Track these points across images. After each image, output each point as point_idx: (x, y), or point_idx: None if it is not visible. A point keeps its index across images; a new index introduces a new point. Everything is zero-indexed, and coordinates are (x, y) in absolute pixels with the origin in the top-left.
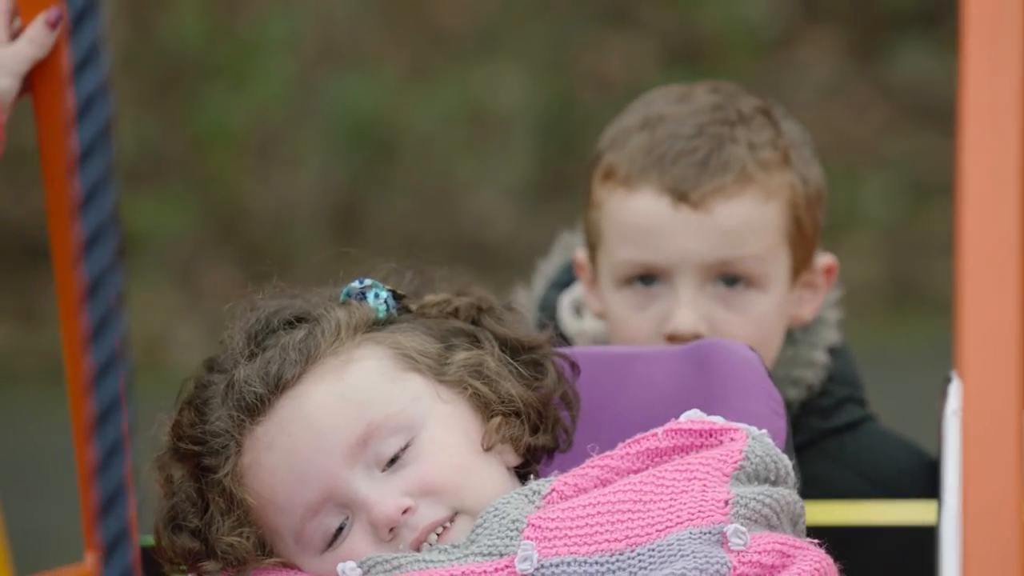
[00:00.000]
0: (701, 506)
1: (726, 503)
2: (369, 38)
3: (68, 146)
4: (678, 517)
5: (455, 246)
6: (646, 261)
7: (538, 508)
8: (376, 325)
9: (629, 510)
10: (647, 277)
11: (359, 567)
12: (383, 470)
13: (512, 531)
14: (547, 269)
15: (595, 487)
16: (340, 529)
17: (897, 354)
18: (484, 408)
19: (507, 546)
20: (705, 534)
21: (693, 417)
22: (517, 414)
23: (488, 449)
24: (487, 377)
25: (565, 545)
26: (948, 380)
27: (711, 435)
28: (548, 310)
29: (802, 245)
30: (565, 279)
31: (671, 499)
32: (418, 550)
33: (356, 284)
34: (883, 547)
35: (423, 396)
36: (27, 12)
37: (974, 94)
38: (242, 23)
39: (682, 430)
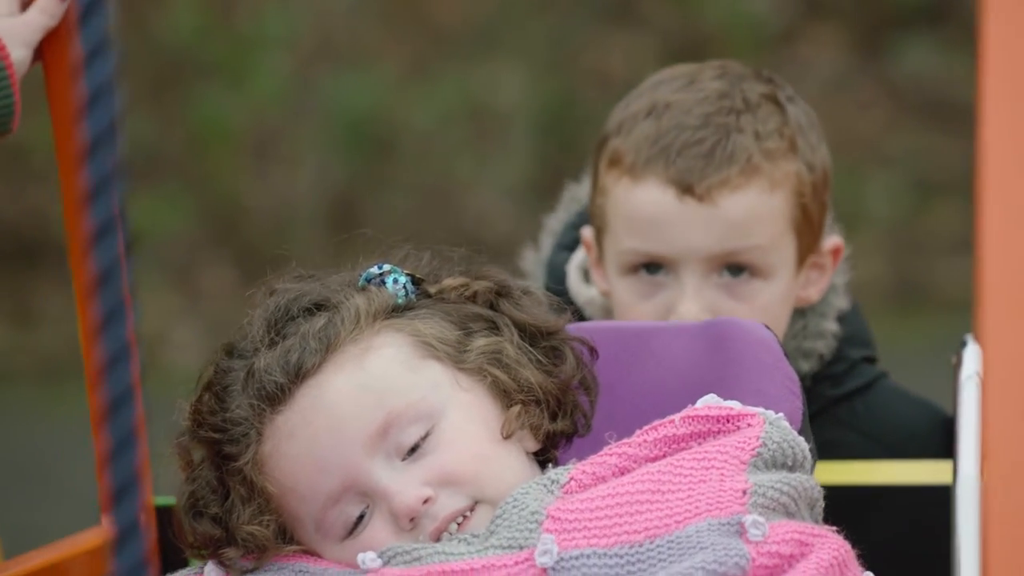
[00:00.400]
0: (719, 496)
1: (744, 493)
2: (367, 35)
3: (78, 137)
4: (696, 508)
5: (454, 245)
6: (651, 252)
7: (557, 499)
8: (395, 311)
9: (648, 500)
10: (652, 266)
11: (379, 557)
12: (403, 459)
13: (531, 523)
14: (553, 225)
15: (613, 475)
16: (361, 517)
17: (901, 351)
18: (503, 396)
19: (527, 539)
20: (724, 525)
21: (710, 403)
22: (536, 401)
23: (508, 437)
24: (506, 365)
25: (584, 537)
26: (963, 344)
27: (728, 421)
28: (556, 274)
29: (808, 231)
30: (571, 239)
31: (689, 489)
32: (438, 540)
33: (375, 269)
34: (897, 506)
35: (443, 384)
36: None
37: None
38: (239, 20)
39: (699, 416)
